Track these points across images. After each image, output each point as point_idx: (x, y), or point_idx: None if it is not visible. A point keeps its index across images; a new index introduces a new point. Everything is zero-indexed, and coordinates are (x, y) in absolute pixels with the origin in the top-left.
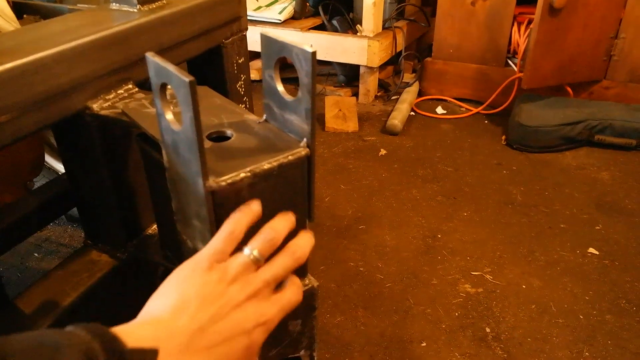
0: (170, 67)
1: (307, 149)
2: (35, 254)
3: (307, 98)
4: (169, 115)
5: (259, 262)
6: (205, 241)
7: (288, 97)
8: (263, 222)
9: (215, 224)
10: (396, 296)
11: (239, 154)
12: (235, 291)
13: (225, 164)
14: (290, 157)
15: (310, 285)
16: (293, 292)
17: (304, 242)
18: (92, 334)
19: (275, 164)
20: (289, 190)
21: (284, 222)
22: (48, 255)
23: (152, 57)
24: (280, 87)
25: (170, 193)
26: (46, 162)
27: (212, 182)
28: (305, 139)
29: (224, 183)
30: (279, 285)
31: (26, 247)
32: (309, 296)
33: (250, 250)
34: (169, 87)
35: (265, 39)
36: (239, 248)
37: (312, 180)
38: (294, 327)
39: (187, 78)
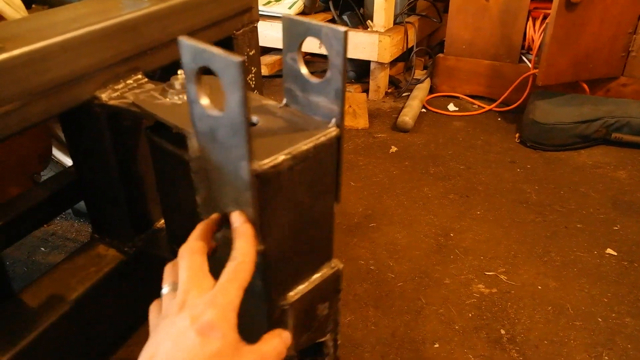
0: (214, 50)
1: (338, 129)
2: (42, 249)
3: (337, 78)
4: (205, 101)
5: None
6: None
7: (314, 80)
8: (298, 205)
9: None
10: (408, 295)
11: (271, 137)
12: None
13: (261, 148)
14: (323, 138)
15: (336, 268)
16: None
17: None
18: None
19: (310, 145)
20: (321, 172)
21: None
22: (55, 249)
23: (187, 41)
24: (304, 70)
25: (196, 185)
26: (53, 156)
27: (255, 165)
28: (334, 119)
29: (266, 166)
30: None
31: (33, 242)
32: (335, 279)
33: None
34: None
35: (288, 21)
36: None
37: (341, 160)
38: (322, 310)
39: (236, 58)
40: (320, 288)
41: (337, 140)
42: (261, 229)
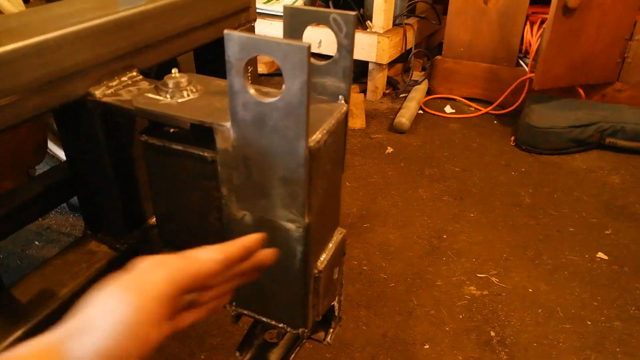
0: (275, 39)
1: (347, 104)
2: (36, 242)
3: (346, 57)
4: (252, 90)
5: None
6: (291, 205)
7: (318, 62)
8: (326, 176)
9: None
10: (399, 296)
11: None
12: None
13: None
14: (339, 114)
15: (343, 233)
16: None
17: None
18: None
19: (334, 121)
20: (338, 144)
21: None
22: (49, 243)
23: (236, 33)
24: None
25: (222, 176)
26: (49, 149)
27: (310, 142)
28: (341, 96)
29: (313, 142)
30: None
31: (27, 235)
32: (343, 243)
33: None
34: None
35: (291, 11)
36: None
37: (346, 133)
38: (336, 274)
39: (304, 44)
40: (335, 253)
41: (346, 115)
42: (308, 202)
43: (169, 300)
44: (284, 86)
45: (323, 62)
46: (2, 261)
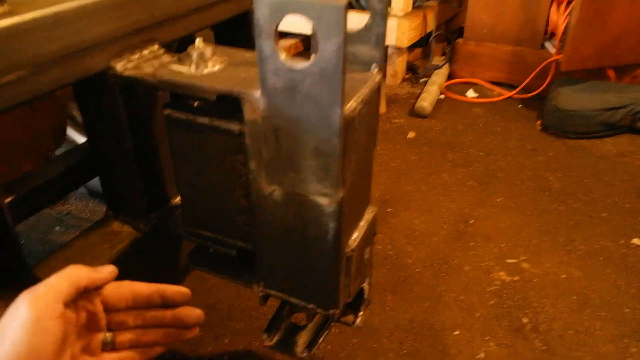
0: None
1: (381, 73)
2: (57, 228)
3: (379, 23)
4: (283, 55)
5: None
6: (324, 179)
7: (350, 30)
8: (360, 148)
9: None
10: (427, 282)
11: None
12: None
13: None
14: (373, 83)
15: (374, 212)
16: None
17: None
18: None
19: (368, 89)
20: (371, 114)
21: None
22: (70, 228)
23: None
24: None
25: (251, 149)
26: (67, 136)
27: (345, 110)
28: (374, 64)
29: (347, 112)
30: None
31: (48, 221)
32: (374, 222)
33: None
34: None
35: None
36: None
37: (379, 105)
38: (366, 255)
39: (341, 3)
40: (367, 232)
41: (380, 84)
42: (342, 175)
43: (64, 295)
44: (314, 53)
45: (355, 29)
46: (25, 246)
